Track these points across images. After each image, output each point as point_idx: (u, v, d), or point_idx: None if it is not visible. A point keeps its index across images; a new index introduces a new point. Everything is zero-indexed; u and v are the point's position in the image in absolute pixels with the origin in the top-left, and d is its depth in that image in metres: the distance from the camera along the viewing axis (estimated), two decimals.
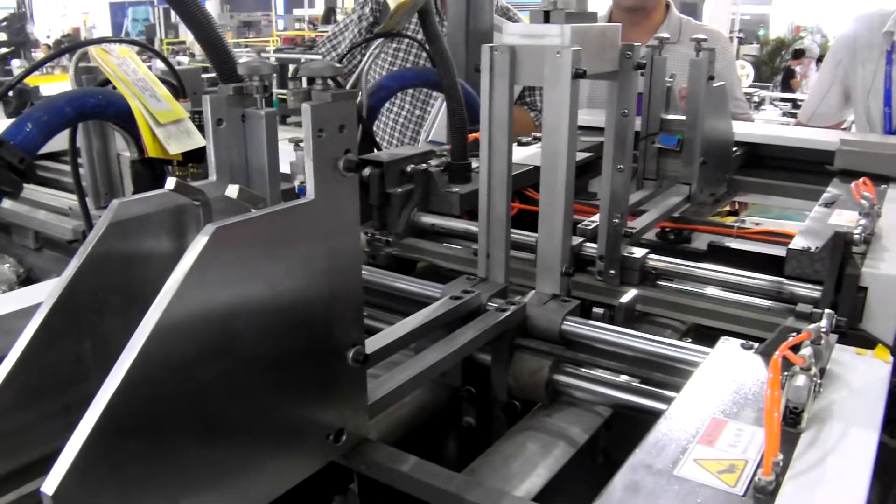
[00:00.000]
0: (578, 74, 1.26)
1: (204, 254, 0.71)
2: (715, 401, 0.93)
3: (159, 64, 1.99)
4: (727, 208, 3.04)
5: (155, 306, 0.68)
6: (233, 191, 0.79)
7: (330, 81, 0.86)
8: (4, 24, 7.89)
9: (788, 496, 0.75)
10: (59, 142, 1.76)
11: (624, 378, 1.23)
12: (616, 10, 3.13)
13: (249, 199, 0.80)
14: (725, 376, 1.00)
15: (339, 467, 1.02)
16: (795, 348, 0.91)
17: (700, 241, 2.02)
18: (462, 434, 1.34)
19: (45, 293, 0.84)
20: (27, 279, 2.27)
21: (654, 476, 0.78)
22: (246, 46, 16.36)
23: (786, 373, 0.88)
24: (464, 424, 1.33)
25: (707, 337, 1.41)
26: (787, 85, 14.24)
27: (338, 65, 0.86)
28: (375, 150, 2.01)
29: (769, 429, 0.77)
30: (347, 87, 2.07)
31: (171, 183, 0.85)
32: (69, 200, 2.18)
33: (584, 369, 1.25)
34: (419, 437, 1.23)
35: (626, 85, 1.48)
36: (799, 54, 14.88)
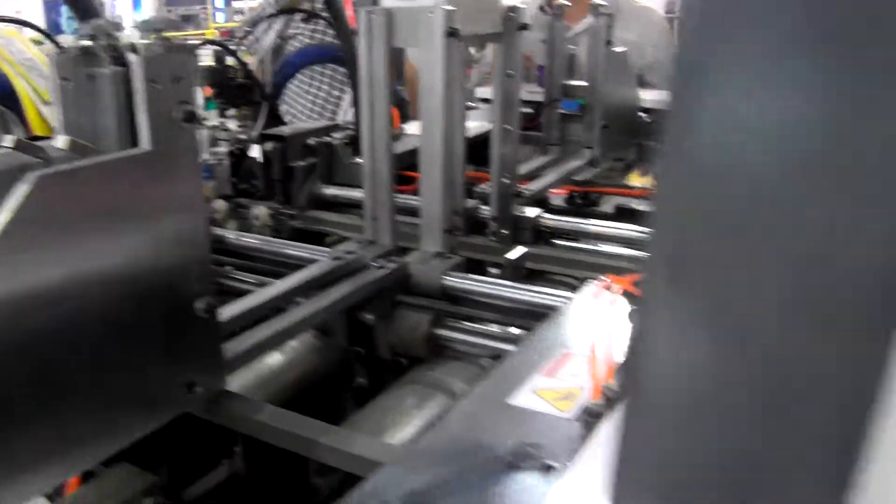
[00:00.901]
0: (451, 34, 1.28)
1: (25, 204, 0.71)
2: (567, 337, 0.95)
3: None
4: None
5: None
6: (62, 141, 0.79)
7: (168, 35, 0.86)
8: None
9: (616, 416, 0.77)
10: None
11: (507, 330, 1.25)
12: None
13: (81, 151, 0.80)
14: (585, 315, 1.02)
15: (223, 431, 1.03)
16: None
17: (609, 206, 2.05)
18: (356, 394, 1.35)
19: None
20: None
21: (489, 406, 0.79)
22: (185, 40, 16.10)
23: (635, 307, 0.91)
24: (355, 385, 1.34)
25: None
26: None
27: (173, 18, 0.86)
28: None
29: (596, 355, 0.79)
30: (254, 65, 2.07)
31: (8, 140, 0.85)
32: None
33: (465, 323, 1.27)
34: (311, 399, 1.24)
35: (510, 46, 1.50)
36: None
